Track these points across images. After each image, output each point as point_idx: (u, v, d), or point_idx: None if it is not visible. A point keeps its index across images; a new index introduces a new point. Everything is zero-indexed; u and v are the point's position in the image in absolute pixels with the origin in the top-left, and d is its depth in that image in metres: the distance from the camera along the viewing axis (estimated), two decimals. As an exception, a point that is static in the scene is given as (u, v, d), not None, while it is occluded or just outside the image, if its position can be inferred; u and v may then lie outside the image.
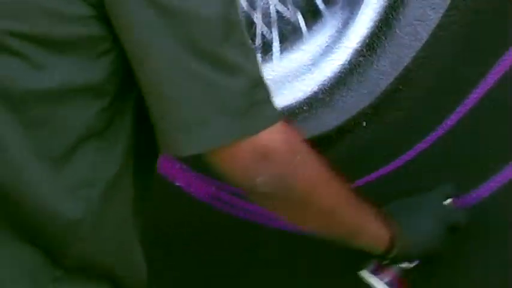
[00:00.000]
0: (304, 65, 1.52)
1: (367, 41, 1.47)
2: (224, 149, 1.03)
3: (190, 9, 0.99)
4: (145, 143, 1.10)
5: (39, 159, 1.05)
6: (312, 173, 1.11)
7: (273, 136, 1.04)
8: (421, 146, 1.44)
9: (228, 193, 1.56)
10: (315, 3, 1.50)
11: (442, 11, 1.40)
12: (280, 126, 1.05)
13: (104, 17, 1.01)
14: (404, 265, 1.32)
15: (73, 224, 1.07)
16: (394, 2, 1.44)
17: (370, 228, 1.23)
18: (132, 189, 1.11)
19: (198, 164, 1.50)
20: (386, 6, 1.45)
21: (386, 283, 1.32)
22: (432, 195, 1.37)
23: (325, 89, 1.51)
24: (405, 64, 1.43)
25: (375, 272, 1.33)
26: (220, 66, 1.01)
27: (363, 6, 1.47)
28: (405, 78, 1.44)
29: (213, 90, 1.01)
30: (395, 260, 1.30)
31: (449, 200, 1.36)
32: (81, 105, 1.05)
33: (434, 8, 1.41)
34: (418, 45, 1.43)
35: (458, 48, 1.41)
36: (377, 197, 1.46)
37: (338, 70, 1.49)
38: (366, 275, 1.33)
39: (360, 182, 1.46)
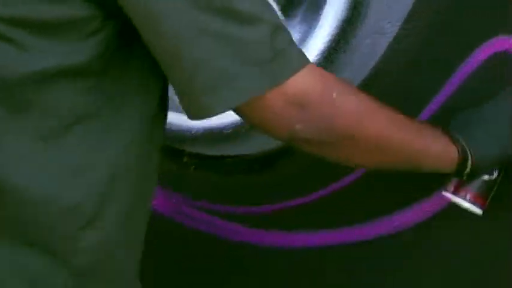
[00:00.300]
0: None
1: (325, 54, 1.48)
2: (256, 101, 1.00)
3: None
4: (149, 123, 1.08)
5: (30, 143, 1.03)
6: (352, 107, 1.07)
7: (304, 80, 1.02)
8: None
9: (190, 207, 1.56)
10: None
11: (399, 24, 1.42)
12: (309, 68, 1.03)
13: None
14: (486, 178, 1.26)
15: (72, 210, 1.04)
16: (352, 16, 1.46)
17: (435, 148, 1.17)
18: (136, 172, 1.08)
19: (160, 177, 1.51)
20: (344, 19, 1.47)
21: (469, 200, 1.27)
22: (497, 99, 1.29)
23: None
24: (364, 76, 1.45)
25: (455, 192, 1.28)
26: (237, 18, 0.98)
27: (321, 20, 1.49)
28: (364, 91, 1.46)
29: (234, 43, 0.98)
30: (473, 175, 1.23)
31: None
32: (68, 87, 1.02)
33: (391, 21, 1.43)
34: (376, 58, 1.44)
35: (415, 60, 1.43)
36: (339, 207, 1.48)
37: (297, 83, 1.50)
38: (447, 195, 1.29)
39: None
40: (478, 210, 1.28)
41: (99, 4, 0.99)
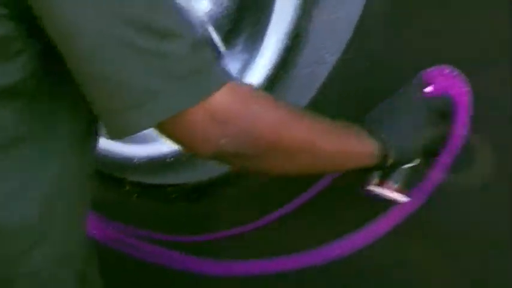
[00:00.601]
0: (206, 107, 1.54)
1: (266, 83, 1.49)
2: (179, 117, 0.99)
3: None
4: (82, 145, 1.08)
5: None
6: (273, 119, 1.08)
7: (226, 96, 1.02)
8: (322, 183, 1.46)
9: (128, 235, 1.55)
10: (216, 45, 1.53)
11: (338, 54, 1.44)
12: (231, 84, 1.03)
13: (15, 16, 0.97)
14: (407, 166, 1.29)
15: (13, 234, 1.03)
16: (292, 45, 1.47)
17: (357, 147, 1.20)
18: (71, 194, 1.09)
19: (98, 205, 1.50)
20: (285, 49, 1.48)
21: (395, 189, 1.30)
22: (407, 89, 1.33)
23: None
24: (303, 106, 1.46)
25: (381, 183, 1.30)
26: (157, 34, 0.97)
27: (262, 49, 1.50)
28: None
29: (155, 59, 0.97)
30: (395, 166, 1.26)
31: (429, 88, 1.33)
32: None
33: (330, 52, 1.44)
34: (316, 86, 1.46)
35: (354, 90, 1.44)
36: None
37: (239, 112, 1.51)
38: (373, 188, 1.31)
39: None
40: (403, 199, 1.31)
41: (20, 22, 0.98)
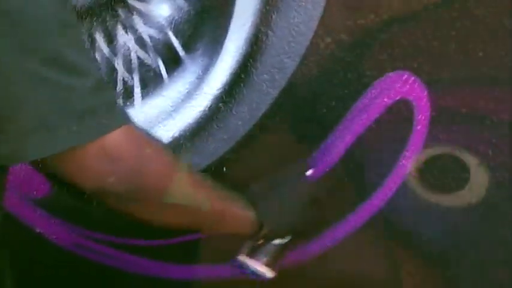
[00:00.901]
0: (166, 111, 1.54)
1: (226, 87, 1.50)
2: (71, 152, 1.00)
3: (19, 8, 0.96)
4: None
5: None
6: (161, 168, 1.10)
7: (120, 136, 1.03)
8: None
9: (91, 240, 1.55)
10: (175, 50, 1.53)
11: (298, 59, 1.45)
12: (127, 127, 1.05)
13: None
14: (277, 242, 1.32)
15: None
16: (252, 50, 1.48)
17: (234, 213, 1.23)
18: None
19: (59, 210, 1.50)
20: (244, 54, 1.49)
21: (264, 262, 1.32)
22: (290, 172, 1.39)
23: (186, 134, 1.53)
24: (263, 111, 1.47)
25: (252, 255, 1.33)
26: (64, 68, 0.99)
27: (222, 54, 1.50)
28: (262, 125, 1.48)
29: (58, 91, 0.98)
30: (268, 239, 1.31)
31: (309, 172, 1.38)
32: None
33: (290, 57, 1.45)
34: (276, 92, 1.47)
35: (313, 95, 1.46)
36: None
37: (198, 116, 1.52)
38: (242, 258, 1.33)
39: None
40: (270, 275, 1.34)
41: None
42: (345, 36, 1.44)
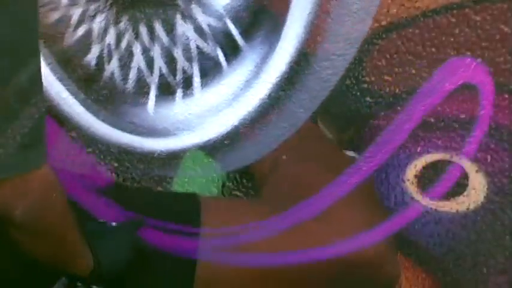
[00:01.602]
0: (225, 100, 1.54)
1: (286, 75, 1.50)
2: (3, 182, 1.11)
3: None
4: None
5: None
6: (63, 210, 1.22)
7: (37, 175, 1.14)
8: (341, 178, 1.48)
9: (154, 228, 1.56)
10: (234, 38, 1.53)
11: (357, 45, 1.45)
12: (44, 168, 1.15)
13: None
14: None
15: None
16: (311, 37, 1.47)
17: (85, 255, 1.29)
18: None
19: (122, 199, 1.51)
20: (303, 41, 1.48)
21: None
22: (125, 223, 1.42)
23: (245, 123, 1.53)
24: (323, 98, 1.47)
25: None
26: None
27: (281, 41, 1.50)
28: (324, 112, 1.48)
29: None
30: (85, 282, 1.32)
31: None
32: None
33: (350, 43, 1.45)
34: (336, 79, 1.47)
35: (375, 82, 1.45)
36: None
37: (258, 104, 1.52)
38: None
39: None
40: None
41: None
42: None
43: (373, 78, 1.44)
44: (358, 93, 1.45)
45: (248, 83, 1.53)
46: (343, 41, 1.45)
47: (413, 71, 1.41)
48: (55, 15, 1.51)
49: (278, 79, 1.50)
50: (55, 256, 1.26)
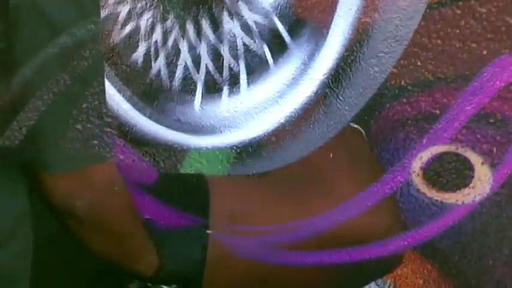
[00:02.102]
0: (271, 97, 1.54)
1: (332, 72, 1.49)
2: (68, 173, 1.12)
3: None
4: None
5: None
6: (121, 206, 1.22)
7: (100, 169, 1.15)
8: (388, 177, 1.47)
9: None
10: (281, 35, 1.52)
11: (405, 43, 1.43)
12: (107, 162, 1.16)
13: None
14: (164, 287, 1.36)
15: None
16: (358, 34, 1.46)
17: (146, 255, 1.30)
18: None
19: (167, 196, 1.51)
20: (350, 38, 1.47)
21: None
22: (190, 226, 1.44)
23: (292, 120, 1.52)
24: (370, 96, 1.46)
25: None
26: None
27: (328, 39, 1.49)
28: (371, 110, 1.47)
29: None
30: (157, 282, 1.35)
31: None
32: None
33: (398, 40, 1.44)
34: (383, 76, 1.45)
35: (423, 79, 1.43)
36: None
37: (304, 102, 1.51)
38: None
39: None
40: None
41: None
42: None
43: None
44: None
45: (294, 81, 1.52)
46: (391, 38, 1.44)
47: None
48: (103, 13, 1.52)
49: (325, 76, 1.50)
50: (121, 254, 1.27)
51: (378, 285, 1.47)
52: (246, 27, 1.53)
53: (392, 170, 1.42)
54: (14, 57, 1.05)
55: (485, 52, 1.38)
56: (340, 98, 1.49)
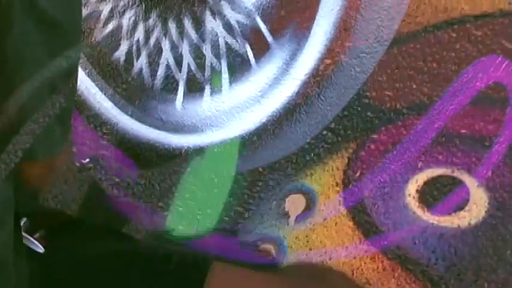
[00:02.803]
0: (253, 96, 1.54)
1: (314, 72, 1.49)
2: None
3: None
4: None
5: None
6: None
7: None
8: (371, 176, 1.47)
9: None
10: (263, 35, 1.52)
11: (387, 43, 1.43)
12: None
13: None
14: None
15: None
16: (341, 35, 1.46)
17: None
18: None
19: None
20: (333, 38, 1.47)
21: None
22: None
23: (273, 120, 1.52)
24: (351, 96, 1.46)
25: None
26: None
27: (310, 39, 1.49)
28: (351, 110, 1.47)
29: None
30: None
31: None
32: None
33: (379, 41, 1.43)
34: (364, 77, 1.45)
35: (403, 80, 1.43)
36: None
37: (286, 101, 1.51)
38: None
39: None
40: None
41: None
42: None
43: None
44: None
45: (276, 80, 1.52)
46: (372, 38, 1.44)
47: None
48: (85, 11, 1.52)
49: (306, 76, 1.50)
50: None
51: None
52: (228, 27, 1.53)
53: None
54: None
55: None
56: (322, 97, 1.49)
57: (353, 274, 1.45)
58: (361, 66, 1.45)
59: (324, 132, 1.49)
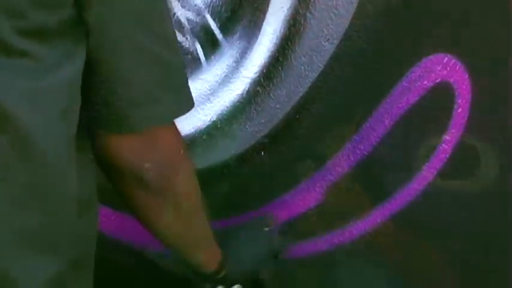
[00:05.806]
0: (203, 95, 1.54)
1: (264, 70, 1.49)
2: (152, 129, 1.05)
3: None
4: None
5: None
6: (189, 172, 1.15)
7: (166, 131, 1.09)
8: (319, 174, 1.47)
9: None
10: (213, 33, 1.52)
11: (336, 42, 1.44)
12: (173, 124, 1.10)
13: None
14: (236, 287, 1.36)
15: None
16: (290, 33, 1.46)
17: (211, 243, 1.27)
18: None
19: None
20: (282, 36, 1.47)
21: None
22: (255, 224, 1.44)
23: (223, 118, 1.52)
24: (301, 94, 1.46)
25: None
26: (167, 45, 1.04)
27: (260, 37, 1.49)
28: (301, 108, 1.47)
29: (161, 67, 1.03)
30: (222, 282, 1.33)
31: (267, 228, 1.43)
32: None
33: (328, 39, 1.44)
34: (314, 75, 1.46)
35: (353, 78, 1.44)
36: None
37: (236, 99, 1.51)
38: None
39: (257, 211, 1.48)
40: None
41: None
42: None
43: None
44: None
45: (226, 78, 1.52)
46: (322, 36, 1.44)
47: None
48: None
49: (256, 74, 1.50)
50: (187, 236, 1.21)
51: None
52: (178, 24, 1.52)
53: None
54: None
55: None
56: (272, 96, 1.49)
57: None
58: (310, 64, 1.46)
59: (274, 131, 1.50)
